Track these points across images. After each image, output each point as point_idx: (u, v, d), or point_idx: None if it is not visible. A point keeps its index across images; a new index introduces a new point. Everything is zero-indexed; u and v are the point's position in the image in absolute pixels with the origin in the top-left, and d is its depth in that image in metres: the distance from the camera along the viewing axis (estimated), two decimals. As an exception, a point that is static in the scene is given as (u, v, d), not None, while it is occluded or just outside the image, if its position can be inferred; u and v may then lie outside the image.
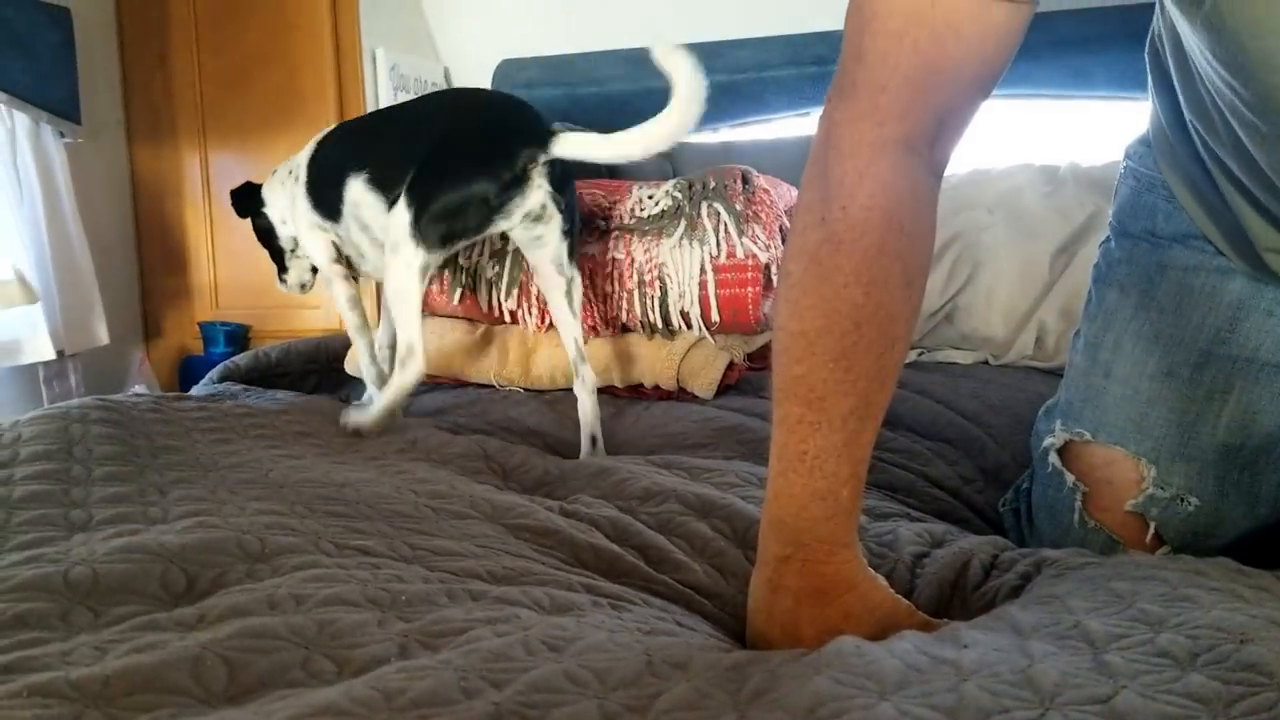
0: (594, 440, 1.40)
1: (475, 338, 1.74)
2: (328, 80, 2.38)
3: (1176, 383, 1.02)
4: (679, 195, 1.64)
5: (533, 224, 1.37)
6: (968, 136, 0.81)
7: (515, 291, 1.67)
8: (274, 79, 2.40)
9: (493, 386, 1.71)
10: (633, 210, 1.67)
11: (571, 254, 1.42)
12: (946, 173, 0.82)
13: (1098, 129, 2.18)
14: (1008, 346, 1.86)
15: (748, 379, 1.63)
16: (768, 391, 0.81)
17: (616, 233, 1.65)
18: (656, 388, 1.61)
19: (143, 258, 2.61)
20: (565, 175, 1.38)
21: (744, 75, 2.39)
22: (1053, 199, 1.94)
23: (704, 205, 1.61)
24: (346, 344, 1.82)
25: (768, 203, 1.64)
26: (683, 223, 1.61)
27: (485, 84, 2.59)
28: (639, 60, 2.45)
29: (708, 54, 2.37)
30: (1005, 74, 0.78)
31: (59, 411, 1.19)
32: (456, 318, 1.79)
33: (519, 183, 1.32)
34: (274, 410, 1.43)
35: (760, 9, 2.37)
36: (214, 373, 1.73)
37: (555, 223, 1.38)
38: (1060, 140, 2.22)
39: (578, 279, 1.45)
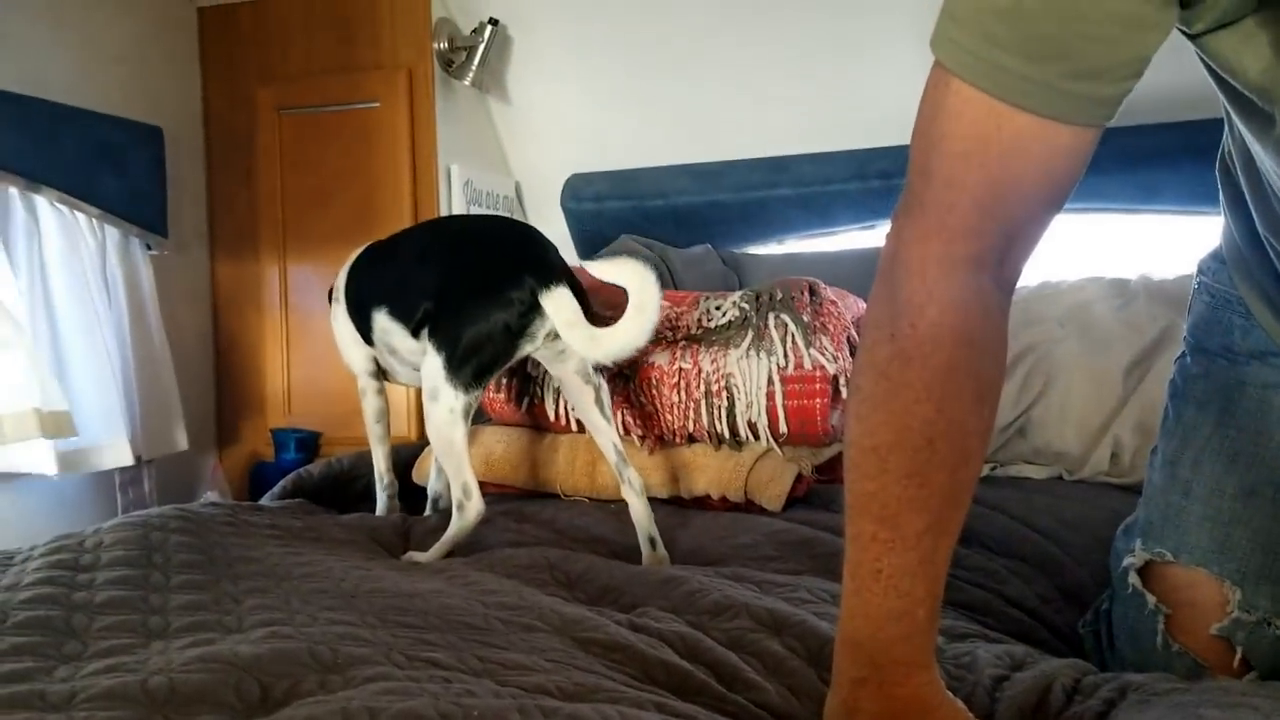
0: (653, 542, 1.39)
1: (541, 446, 1.75)
2: (404, 195, 2.46)
3: (1260, 503, 0.99)
4: (746, 306, 1.65)
5: (554, 341, 1.40)
6: (1037, 250, 0.81)
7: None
8: (353, 195, 2.49)
9: (558, 496, 1.71)
10: (700, 320, 1.68)
11: (594, 363, 1.46)
12: (1016, 285, 0.82)
13: (1167, 243, 2.17)
14: (1082, 462, 1.83)
15: (816, 491, 1.61)
16: (837, 505, 0.80)
17: (684, 343, 1.67)
18: (723, 499, 1.60)
19: (220, 365, 2.68)
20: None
21: (809, 189, 2.42)
22: (1124, 312, 1.92)
23: (771, 316, 1.62)
24: (416, 452, 1.85)
25: (835, 314, 1.64)
26: (750, 333, 1.62)
27: (555, 198, 2.66)
28: (704, 174, 2.54)
29: (773, 168, 2.46)
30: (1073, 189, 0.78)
31: (140, 519, 1.23)
32: (523, 426, 1.81)
33: (535, 306, 1.36)
34: (342, 524, 1.45)
35: (826, 124, 2.41)
36: (286, 482, 1.75)
37: None
38: (1129, 254, 2.20)
39: (604, 385, 1.49)
